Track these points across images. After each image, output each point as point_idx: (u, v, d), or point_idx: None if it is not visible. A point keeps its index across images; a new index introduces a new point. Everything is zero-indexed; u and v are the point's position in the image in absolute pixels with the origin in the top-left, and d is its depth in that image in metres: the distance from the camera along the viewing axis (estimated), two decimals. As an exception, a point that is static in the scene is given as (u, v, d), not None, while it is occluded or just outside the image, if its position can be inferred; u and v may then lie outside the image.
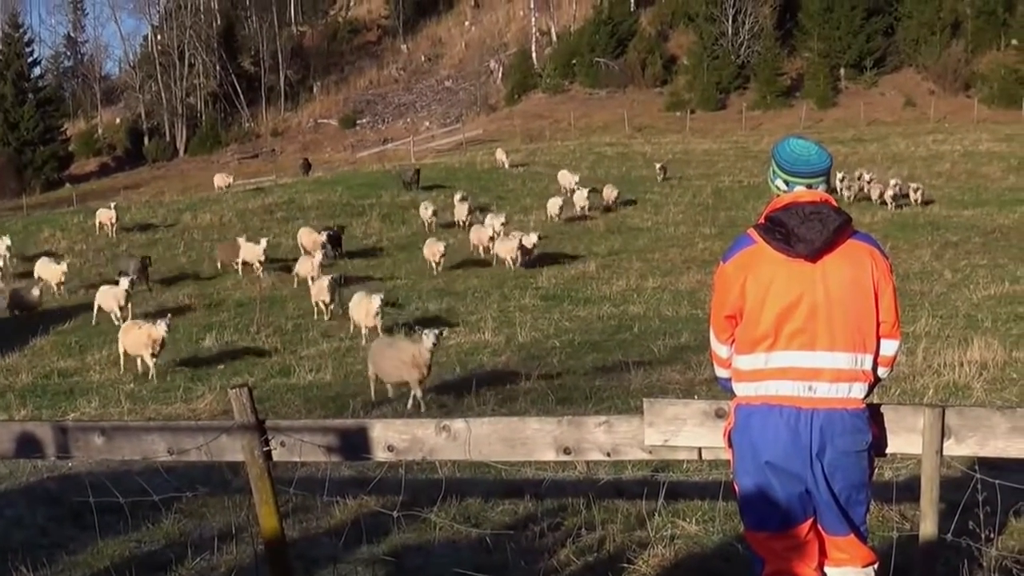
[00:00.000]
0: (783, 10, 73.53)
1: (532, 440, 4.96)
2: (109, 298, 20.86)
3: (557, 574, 5.79)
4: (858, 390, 4.21)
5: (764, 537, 4.31)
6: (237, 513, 6.77)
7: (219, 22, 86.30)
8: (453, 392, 13.62)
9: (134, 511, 6.76)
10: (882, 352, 4.30)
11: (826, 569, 4.37)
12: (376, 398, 13.70)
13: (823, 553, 4.34)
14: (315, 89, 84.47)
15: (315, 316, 20.99)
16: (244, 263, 26.87)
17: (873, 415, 4.35)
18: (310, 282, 21.49)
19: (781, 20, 73.02)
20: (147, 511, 6.90)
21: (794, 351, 4.18)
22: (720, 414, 4.61)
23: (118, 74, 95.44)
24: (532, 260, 26.48)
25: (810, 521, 4.27)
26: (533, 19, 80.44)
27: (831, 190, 4.43)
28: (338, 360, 17.19)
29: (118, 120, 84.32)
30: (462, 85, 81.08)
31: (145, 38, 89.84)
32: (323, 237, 27.44)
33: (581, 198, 34.12)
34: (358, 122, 79.23)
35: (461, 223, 32.33)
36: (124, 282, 20.74)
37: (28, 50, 78.87)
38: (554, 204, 33.61)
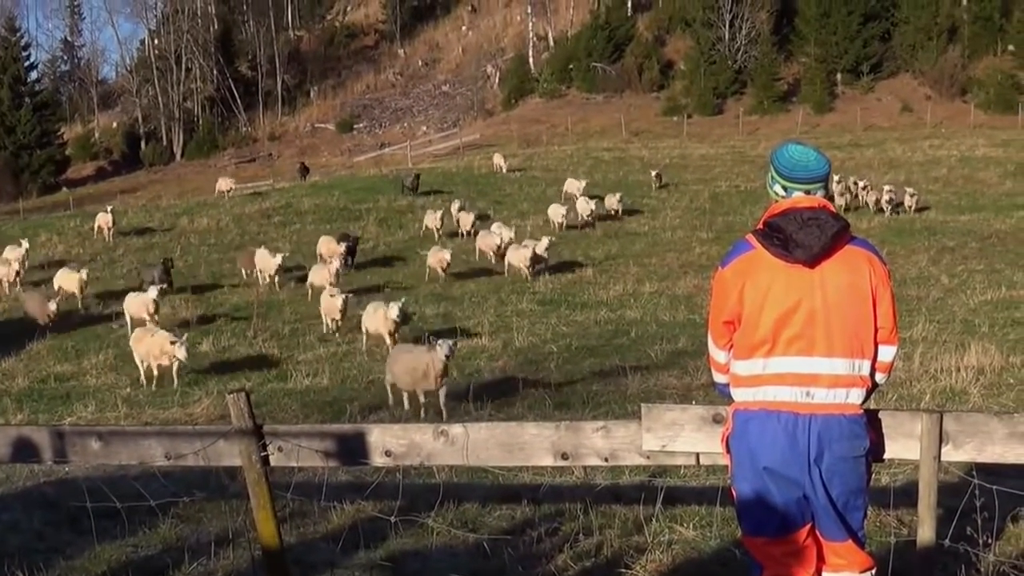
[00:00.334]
0: (780, 15, 73.66)
1: (530, 445, 4.96)
2: (138, 306, 20.02)
3: (555, 579, 5.78)
4: (856, 396, 4.22)
5: (762, 542, 4.31)
6: (234, 518, 6.75)
7: (216, 26, 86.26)
8: (450, 397, 13.61)
9: (131, 516, 6.74)
10: (880, 358, 4.30)
11: (824, 574, 4.37)
12: (394, 405, 13.56)
13: (821, 559, 4.34)
14: (312, 93, 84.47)
15: (324, 330, 20.15)
16: (260, 273, 26.08)
17: (871, 421, 4.35)
18: (326, 295, 20.23)
19: (778, 25, 73.15)
20: (144, 516, 6.88)
21: (792, 357, 4.18)
22: (718, 419, 4.61)
23: (115, 78, 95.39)
24: (543, 268, 25.87)
25: (808, 526, 4.27)
26: (530, 24, 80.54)
27: (829, 196, 4.44)
28: (335, 365, 17.17)
29: (115, 124, 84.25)
30: (459, 90, 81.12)
31: (142, 42, 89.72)
32: (343, 248, 26.59)
33: (586, 206, 33.53)
34: (355, 126, 79.23)
35: (467, 232, 31.72)
36: (152, 291, 19.91)
37: (25, 54, 78.94)
38: (557, 211, 33.02)
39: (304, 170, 55.57)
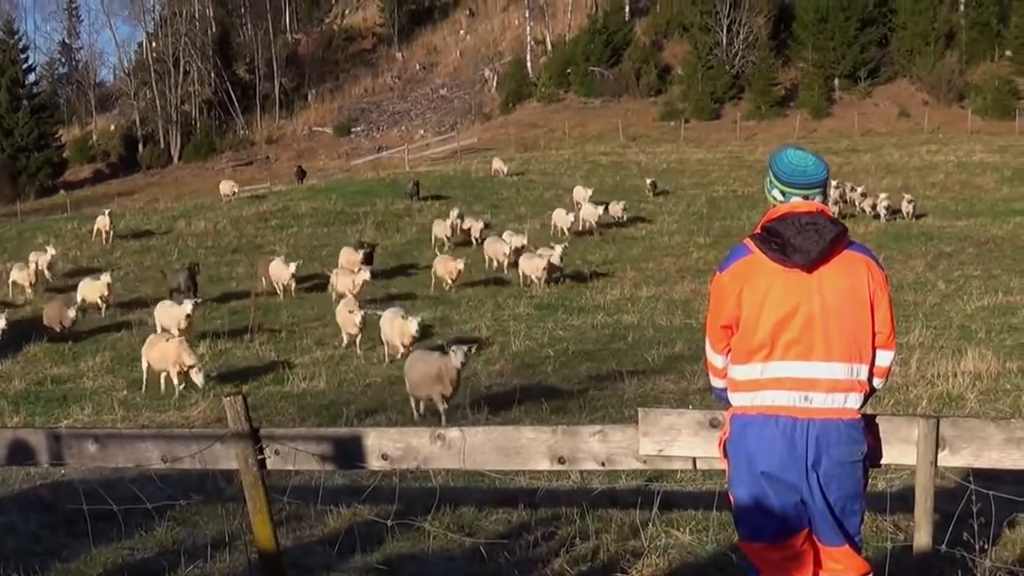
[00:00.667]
0: (777, 20, 73.69)
1: (527, 449, 4.96)
2: (171, 318, 19.10)
3: (551, 583, 5.78)
4: (854, 400, 4.22)
5: (759, 547, 4.31)
6: (231, 521, 6.76)
7: (214, 29, 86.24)
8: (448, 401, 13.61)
9: (127, 518, 6.74)
10: (877, 363, 4.30)
11: (820, 579, 4.37)
12: (418, 417, 13.15)
13: (817, 563, 4.33)
14: (310, 97, 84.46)
15: (343, 346, 19.20)
16: (276, 283, 25.58)
17: (868, 425, 4.35)
18: (343, 309, 19.34)
19: (775, 30, 73.19)
20: (140, 518, 6.88)
21: (790, 361, 4.18)
22: (715, 424, 4.61)
23: (113, 81, 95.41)
24: (558, 277, 25.15)
25: (805, 531, 4.27)
26: (528, 28, 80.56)
27: (830, 201, 4.44)
28: (332, 368, 17.17)
29: (112, 127, 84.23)
30: (457, 94, 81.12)
31: (140, 45, 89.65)
32: (360, 255, 25.80)
33: (593, 213, 32.96)
34: (353, 130, 79.21)
35: (476, 239, 30.70)
36: (188, 304, 19.01)
37: (23, 56, 78.90)
38: (563, 217, 32.31)
39: (301, 174, 55.53)
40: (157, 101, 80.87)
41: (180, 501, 6.79)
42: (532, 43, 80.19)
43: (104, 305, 23.35)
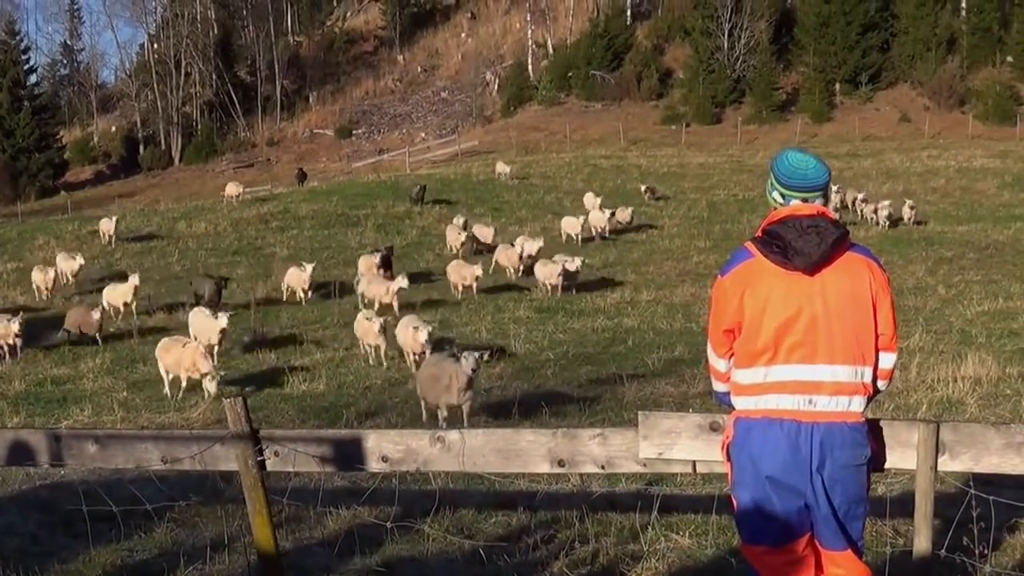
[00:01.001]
0: (779, 25, 73.69)
1: (526, 452, 4.96)
2: (205, 329, 18.42)
3: (551, 587, 5.78)
4: (858, 403, 4.20)
5: (761, 551, 4.30)
6: (230, 523, 6.75)
7: (216, 31, 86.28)
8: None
9: (127, 519, 6.73)
10: (880, 365, 4.29)
11: (822, 584, 4.36)
12: (427, 420, 12.88)
13: (819, 568, 4.32)
14: (311, 99, 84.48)
15: (364, 358, 18.42)
16: (295, 290, 25.31)
17: (872, 430, 4.34)
18: (361, 318, 18.68)
19: (777, 35, 73.20)
20: (140, 520, 6.87)
21: (794, 364, 4.17)
22: (715, 428, 4.61)
23: (114, 82, 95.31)
24: (574, 284, 24.78)
25: (807, 536, 4.26)
26: (529, 31, 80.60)
27: (831, 205, 4.43)
28: (332, 370, 17.18)
29: (114, 128, 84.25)
30: (458, 96, 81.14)
31: (141, 46, 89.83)
32: (376, 258, 25.61)
33: (600, 219, 32.88)
34: (354, 132, 79.21)
35: (490, 246, 30.11)
36: (223, 318, 18.29)
37: (24, 57, 78.98)
38: (572, 224, 32.30)
39: (302, 176, 55.54)
40: (158, 102, 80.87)
41: (179, 502, 6.78)
42: (533, 46, 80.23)
43: (134, 306, 23.06)
